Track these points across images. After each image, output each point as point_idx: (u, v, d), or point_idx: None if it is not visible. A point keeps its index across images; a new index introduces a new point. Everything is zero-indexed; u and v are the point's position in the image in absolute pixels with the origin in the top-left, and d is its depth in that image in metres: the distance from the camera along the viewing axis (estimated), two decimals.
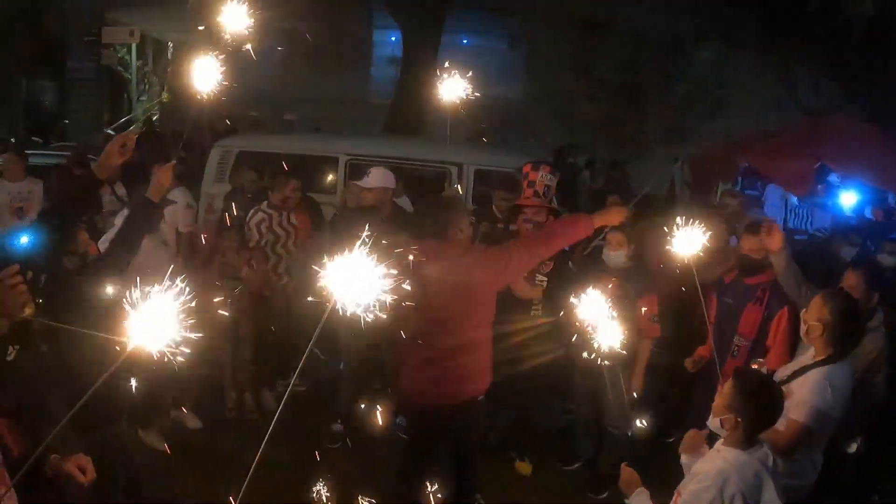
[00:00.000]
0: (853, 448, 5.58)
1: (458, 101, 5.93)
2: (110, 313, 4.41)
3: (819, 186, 11.42)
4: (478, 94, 6.06)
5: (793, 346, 5.60)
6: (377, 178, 7.37)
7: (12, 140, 17.52)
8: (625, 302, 6.28)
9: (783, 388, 4.39)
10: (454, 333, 4.99)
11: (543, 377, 6.66)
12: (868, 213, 10.96)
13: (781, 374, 4.76)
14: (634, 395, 6.45)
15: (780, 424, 4.31)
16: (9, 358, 3.67)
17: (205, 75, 4.09)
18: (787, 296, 5.62)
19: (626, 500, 4.09)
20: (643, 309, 6.38)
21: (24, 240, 5.38)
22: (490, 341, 5.21)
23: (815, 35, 17.10)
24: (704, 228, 4.17)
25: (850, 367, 4.69)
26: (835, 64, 17.68)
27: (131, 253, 4.75)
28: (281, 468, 6.63)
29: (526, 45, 21.91)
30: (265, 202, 7.93)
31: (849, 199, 10.92)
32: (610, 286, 6.31)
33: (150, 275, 3.58)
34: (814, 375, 4.55)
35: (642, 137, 19.68)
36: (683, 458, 4.12)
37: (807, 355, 4.78)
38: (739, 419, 3.75)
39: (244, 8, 3.96)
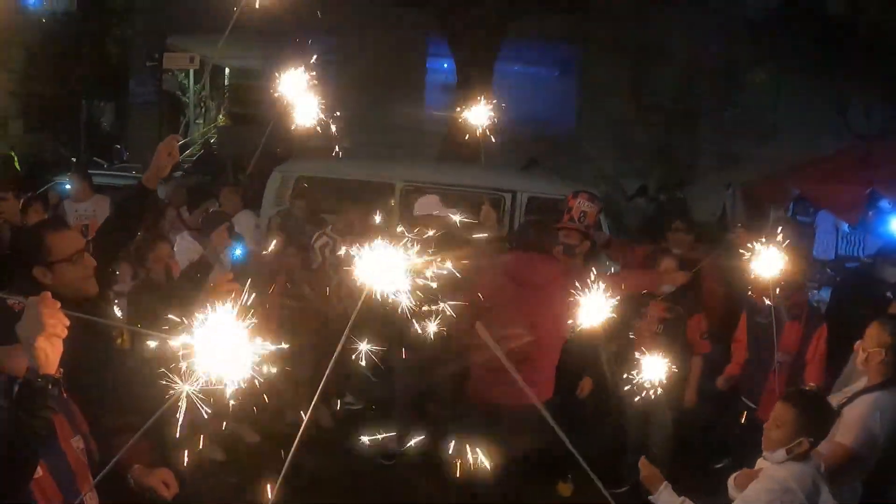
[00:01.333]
0: None
1: (497, 128, 6.07)
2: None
3: (870, 213, 11.40)
4: (531, 122, 6.18)
5: (826, 362, 5.93)
6: (423, 206, 7.55)
7: (73, 159, 18.08)
8: (675, 322, 6.49)
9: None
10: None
11: (592, 399, 6.81)
12: None
13: (834, 401, 4.80)
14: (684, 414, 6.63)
15: (825, 448, 4.33)
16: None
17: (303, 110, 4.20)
18: (825, 314, 5.77)
19: (651, 497, 4.13)
20: (694, 326, 6.60)
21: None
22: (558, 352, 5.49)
23: (868, 59, 17.01)
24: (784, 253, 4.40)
25: None
26: (887, 88, 17.58)
27: (126, 238, 4.70)
28: (337, 482, 6.91)
29: (579, 72, 21.97)
30: (329, 227, 8.17)
31: None
32: (658, 312, 6.54)
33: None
34: (864, 401, 4.60)
35: (695, 163, 19.67)
36: (733, 492, 4.14)
37: (859, 382, 4.85)
38: (811, 439, 3.85)
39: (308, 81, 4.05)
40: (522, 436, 5.45)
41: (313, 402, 2.75)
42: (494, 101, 6.16)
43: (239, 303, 2.36)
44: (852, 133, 18.10)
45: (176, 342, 2.28)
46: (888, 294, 7.57)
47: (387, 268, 2.50)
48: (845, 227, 11.98)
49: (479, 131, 6.35)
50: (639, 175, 17.79)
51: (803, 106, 18.70)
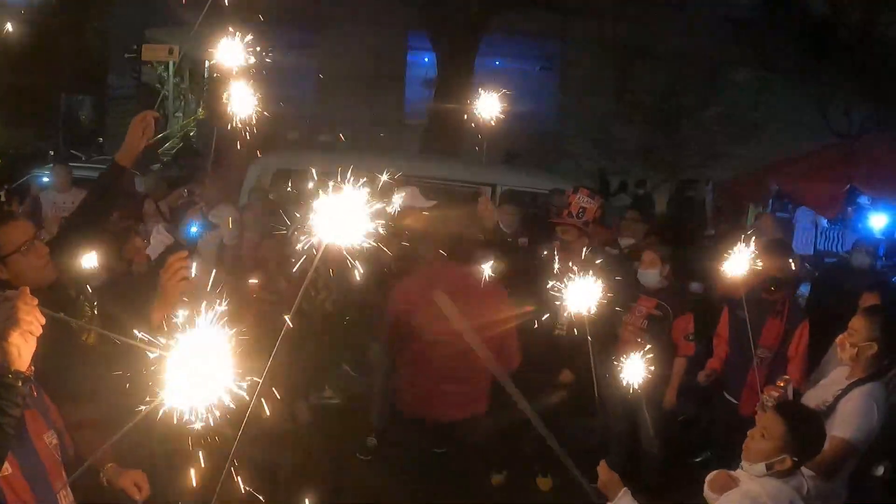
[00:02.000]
0: (881, 471, 5.62)
1: (491, 122, 5.97)
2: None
3: (849, 209, 11.44)
4: (511, 116, 6.12)
5: (810, 358, 5.86)
6: (405, 199, 7.49)
7: (51, 153, 17.91)
8: (662, 322, 6.45)
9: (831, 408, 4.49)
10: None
11: (574, 395, 6.77)
12: None
13: (822, 395, 4.76)
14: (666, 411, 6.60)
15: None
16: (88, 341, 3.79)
17: (241, 99, 4.16)
18: (805, 309, 5.76)
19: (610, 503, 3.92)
20: (680, 327, 6.55)
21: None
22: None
23: (849, 60, 17.12)
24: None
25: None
26: (867, 88, 17.69)
27: (102, 217, 4.60)
28: (314, 477, 6.86)
29: (561, 68, 22.01)
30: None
31: (879, 221, 10.88)
32: (646, 307, 6.51)
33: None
34: (860, 393, 4.55)
35: (677, 161, 19.71)
36: (709, 493, 3.93)
37: (838, 375, 4.83)
38: (795, 459, 3.64)
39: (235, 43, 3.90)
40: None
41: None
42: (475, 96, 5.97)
43: (218, 306, 2.26)
44: (833, 132, 18.22)
45: (150, 351, 2.17)
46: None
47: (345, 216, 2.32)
48: (824, 222, 12.00)
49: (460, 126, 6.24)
50: (620, 172, 17.79)
51: (785, 105, 18.83)
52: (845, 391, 4.59)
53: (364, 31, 18.87)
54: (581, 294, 3.69)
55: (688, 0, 19.26)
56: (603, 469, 3.96)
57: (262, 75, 4.09)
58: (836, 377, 4.83)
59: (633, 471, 6.91)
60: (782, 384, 4.72)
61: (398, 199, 7.36)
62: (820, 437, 3.77)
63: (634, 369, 3.98)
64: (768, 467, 3.65)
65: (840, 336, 4.77)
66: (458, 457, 5.67)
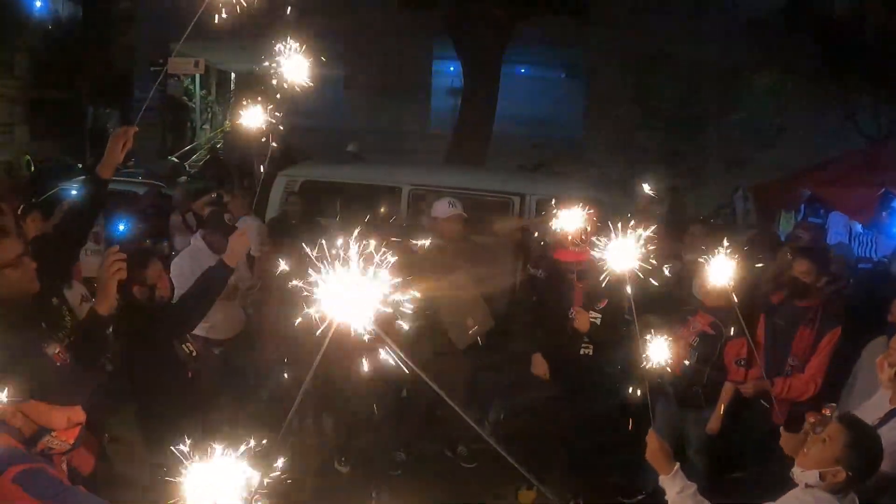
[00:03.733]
0: None
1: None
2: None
3: (883, 213, 11.28)
4: (536, 124, 6.03)
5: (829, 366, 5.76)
6: (443, 207, 7.42)
7: (79, 166, 18.02)
8: (714, 342, 6.24)
9: None
10: None
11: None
12: None
13: (865, 418, 4.59)
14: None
15: None
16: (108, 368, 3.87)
17: (261, 111, 4.16)
18: (840, 318, 5.64)
19: (661, 480, 3.76)
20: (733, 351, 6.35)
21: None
22: None
23: (875, 61, 16.93)
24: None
25: None
26: (894, 89, 17.49)
27: (82, 230, 4.68)
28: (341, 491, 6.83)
29: (585, 76, 21.93)
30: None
31: None
32: (701, 323, 6.32)
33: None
34: None
35: (701, 167, 19.56)
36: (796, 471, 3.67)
37: (882, 399, 4.63)
38: (850, 473, 3.47)
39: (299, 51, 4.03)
40: None
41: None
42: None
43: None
44: (861, 135, 18.01)
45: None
46: None
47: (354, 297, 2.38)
48: (858, 228, 11.82)
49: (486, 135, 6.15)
50: (645, 180, 17.65)
51: (810, 109, 18.64)
52: (885, 419, 4.34)
53: (389, 41, 18.88)
54: (622, 254, 3.55)
55: (708, 5, 19.14)
56: (652, 438, 3.79)
57: (292, 87, 4.08)
58: (879, 401, 4.62)
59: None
60: (828, 412, 4.54)
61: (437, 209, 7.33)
62: (878, 459, 3.57)
63: (658, 352, 3.85)
64: (822, 477, 3.49)
65: (879, 357, 4.58)
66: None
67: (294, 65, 3.99)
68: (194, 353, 5.06)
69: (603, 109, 20.33)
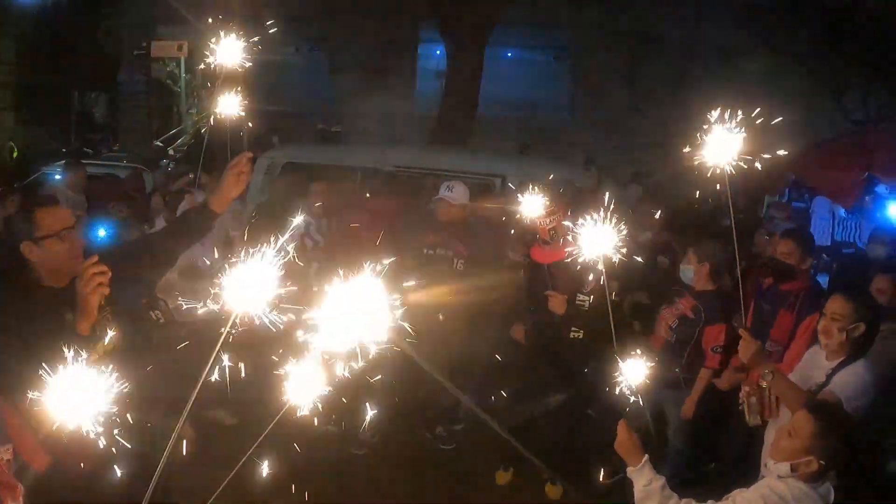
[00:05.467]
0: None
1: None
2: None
3: (867, 198, 11.26)
4: (523, 106, 5.99)
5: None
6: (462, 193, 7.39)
7: (63, 150, 18.00)
8: (692, 326, 6.23)
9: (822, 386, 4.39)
10: None
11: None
12: None
13: (809, 377, 4.65)
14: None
15: None
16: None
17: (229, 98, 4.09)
18: (821, 304, 5.63)
19: (629, 471, 3.74)
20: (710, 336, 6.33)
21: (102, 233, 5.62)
22: None
23: (865, 45, 16.92)
24: None
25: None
26: (884, 73, 17.50)
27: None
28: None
29: (572, 58, 21.90)
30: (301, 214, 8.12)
31: None
32: (684, 306, 6.31)
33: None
34: (855, 371, 4.44)
35: (689, 150, 19.51)
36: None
37: (816, 357, 4.72)
38: (822, 462, 3.42)
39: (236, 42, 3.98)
40: None
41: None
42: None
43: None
44: (849, 119, 18.02)
45: None
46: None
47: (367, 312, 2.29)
48: (841, 212, 11.82)
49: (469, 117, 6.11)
50: (632, 162, 17.61)
51: (799, 92, 18.61)
52: (836, 370, 4.48)
53: (374, 23, 18.80)
54: (598, 240, 3.48)
55: None
56: (622, 429, 3.75)
57: (270, 70, 4.03)
58: (813, 360, 4.74)
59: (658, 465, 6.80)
60: (764, 383, 4.54)
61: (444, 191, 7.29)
62: (850, 444, 3.53)
63: (634, 370, 3.76)
64: (793, 468, 3.46)
65: (822, 323, 4.62)
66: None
67: (228, 46, 3.91)
68: (162, 321, 5.00)
69: (591, 92, 20.29)
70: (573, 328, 6.32)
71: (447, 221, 7.22)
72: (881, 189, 11.10)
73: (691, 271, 6.34)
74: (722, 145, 3.63)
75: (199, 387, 2.28)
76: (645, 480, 3.68)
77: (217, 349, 2.27)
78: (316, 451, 7.09)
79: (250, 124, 4.21)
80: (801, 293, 5.91)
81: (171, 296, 6.54)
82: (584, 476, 6.26)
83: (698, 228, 9.35)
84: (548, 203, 5.90)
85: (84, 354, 2.50)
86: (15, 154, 19.45)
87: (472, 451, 7.17)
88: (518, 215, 5.60)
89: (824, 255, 10.71)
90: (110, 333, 3.63)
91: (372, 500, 6.56)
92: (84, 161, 12.16)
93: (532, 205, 5.42)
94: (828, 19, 17.46)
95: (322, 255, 8.12)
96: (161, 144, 19.99)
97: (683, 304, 6.27)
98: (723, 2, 18.80)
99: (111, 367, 2.20)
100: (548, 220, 6.19)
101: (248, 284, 2.20)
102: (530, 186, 5.62)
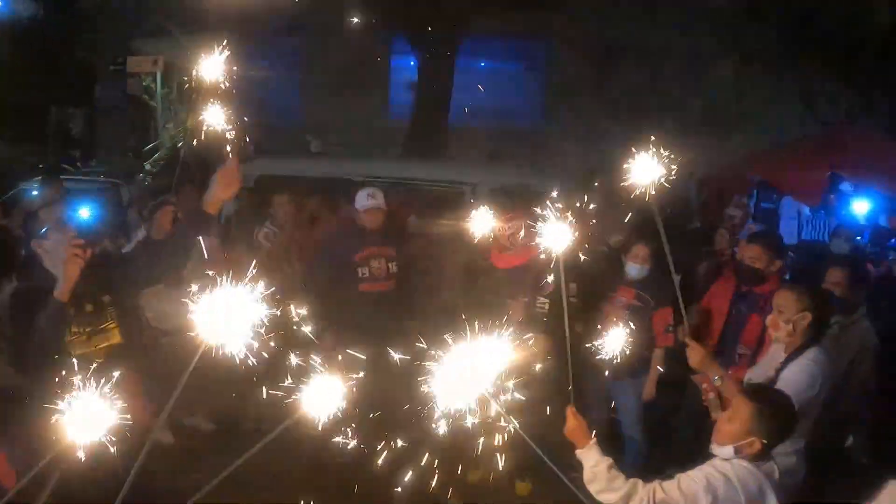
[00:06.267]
0: (850, 441, 5.71)
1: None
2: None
3: (832, 196, 11.46)
4: (494, 116, 6.13)
5: None
6: (362, 198, 7.60)
7: (40, 166, 18.03)
8: (642, 313, 6.49)
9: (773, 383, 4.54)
10: None
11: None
12: (883, 221, 10.91)
13: (764, 373, 4.83)
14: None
15: None
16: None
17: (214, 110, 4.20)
18: None
19: (577, 453, 3.95)
20: (660, 319, 6.57)
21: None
22: None
23: (832, 47, 17.14)
24: None
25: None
26: (852, 76, 17.72)
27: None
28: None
29: (546, 67, 22.02)
30: (268, 220, 8.38)
31: (862, 207, 10.88)
32: (626, 297, 6.55)
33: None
34: (804, 361, 4.63)
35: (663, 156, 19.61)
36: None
37: (776, 351, 4.90)
38: (764, 441, 3.66)
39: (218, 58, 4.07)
40: None
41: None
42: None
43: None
44: (818, 121, 18.22)
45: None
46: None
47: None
48: (807, 211, 12.02)
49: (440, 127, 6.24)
50: (607, 169, 17.72)
51: (769, 96, 18.82)
52: (785, 363, 4.67)
53: (347, 35, 18.92)
54: (555, 236, 3.82)
55: None
56: (570, 415, 3.97)
57: (245, 84, 4.14)
58: (773, 354, 4.90)
59: (615, 456, 6.95)
60: (712, 391, 4.74)
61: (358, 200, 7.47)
62: (790, 421, 3.80)
63: (614, 342, 4.11)
64: (736, 451, 3.68)
65: (769, 317, 4.81)
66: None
67: (212, 64, 4.03)
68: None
69: (564, 100, 20.42)
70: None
71: (376, 228, 7.42)
72: (845, 187, 11.31)
73: (644, 269, 6.56)
74: (646, 170, 3.97)
75: (174, 396, 2.45)
76: (592, 461, 3.88)
77: (188, 372, 2.45)
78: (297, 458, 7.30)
79: (232, 134, 4.31)
80: (769, 297, 6.02)
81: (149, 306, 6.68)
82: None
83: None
84: (508, 209, 6.12)
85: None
86: None
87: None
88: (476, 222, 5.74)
89: (791, 254, 10.92)
90: (111, 325, 4.03)
91: None
92: (62, 176, 12.26)
93: (489, 213, 5.53)
94: (795, 22, 17.66)
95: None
96: (136, 158, 20.07)
97: (624, 295, 6.48)
98: (692, 9, 18.96)
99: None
100: (508, 226, 6.38)
101: (220, 316, 2.41)
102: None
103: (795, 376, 4.57)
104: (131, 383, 3.65)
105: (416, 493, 5.72)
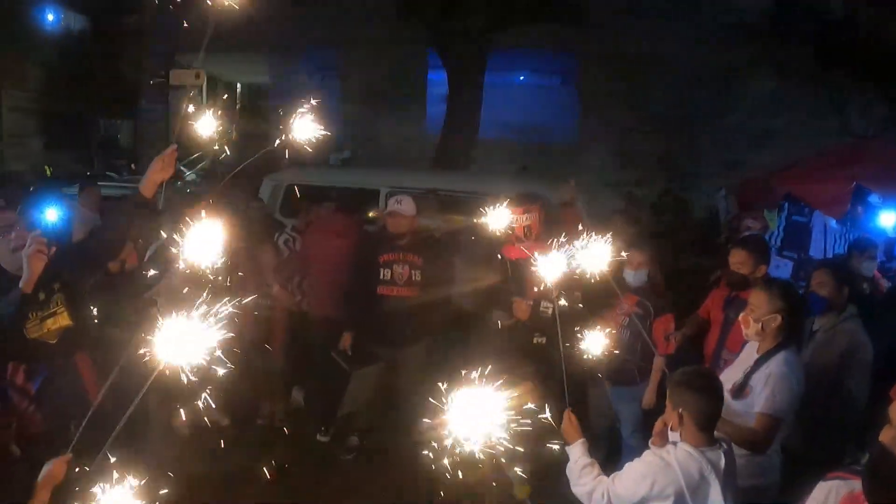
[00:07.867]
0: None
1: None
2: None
3: (859, 208, 11.36)
4: (527, 130, 6.24)
5: None
6: (392, 203, 7.77)
7: (88, 174, 18.58)
8: (643, 321, 6.56)
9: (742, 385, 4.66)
10: None
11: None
12: None
13: (734, 375, 4.90)
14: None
15: (751, 422, 4.52)
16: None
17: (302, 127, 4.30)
18: None
19: (567, 448, 4.23)
20: (661, 327, 6.66)
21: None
22: None
23: (865, 59, 17.06)
24: None
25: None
26: (884, 87, 17.62)
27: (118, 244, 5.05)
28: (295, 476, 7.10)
29: (579, 81, 22.09)
30: (290, 226, 8.66)
31: (889, 219, 10.77)
32: (628, 304, 6.63)
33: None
34: (776, 363, 4.68)
35: (696, 170, 19.66)
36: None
37: (749, 351, 4.97)
38: (682, 411, 3.86)
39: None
40: None
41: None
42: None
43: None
44: (851, 134, 18.10)
45: None
46: (864, 287, 7.63)
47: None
48: (833, 224, 11.91)
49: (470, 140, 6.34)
50: (639, 183, 17.77)
51: (802, 108, 18.74)
52: (756, 366, 4.73)
53: (385, 50, 19.23)
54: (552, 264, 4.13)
55: (699, 9, 19.28)
56: (567, 417, 4.26)
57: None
58: (747, 355, 4.97)
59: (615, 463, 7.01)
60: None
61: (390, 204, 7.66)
62: (700, 385, 3.99)
63: (594, 341, 4.43)
64: (672, 427, 3.97)
65: (742, 315, 4.90)
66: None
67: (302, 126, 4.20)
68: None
69: (598, 115, 20.50)
70: (536, 333, 6.65)
71: (398, 234, 7.57)
72: (873, 198, 11.21)
73: (642, 275, 6.66)
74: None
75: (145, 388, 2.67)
76: (575, 457, 4.17)
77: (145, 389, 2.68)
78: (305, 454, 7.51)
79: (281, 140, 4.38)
80: None
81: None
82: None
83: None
84: (524, 202, 6.34)
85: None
86: (49, 175, 20.19)
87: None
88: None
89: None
90: (60, 309, 4.42)
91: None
92: (105, 183, 12.68)
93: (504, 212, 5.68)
94: (828, 35, 17.60)
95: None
96: (183, 169, 20.44)
97: (627, 302, 6.56)
98: (723, 22, 18.97)
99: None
100: (524, 218, 6.58)
101: (177, 338, 2.68)
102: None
103: (771, 384, 4.62)
104: (83, 360, 4.47)
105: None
